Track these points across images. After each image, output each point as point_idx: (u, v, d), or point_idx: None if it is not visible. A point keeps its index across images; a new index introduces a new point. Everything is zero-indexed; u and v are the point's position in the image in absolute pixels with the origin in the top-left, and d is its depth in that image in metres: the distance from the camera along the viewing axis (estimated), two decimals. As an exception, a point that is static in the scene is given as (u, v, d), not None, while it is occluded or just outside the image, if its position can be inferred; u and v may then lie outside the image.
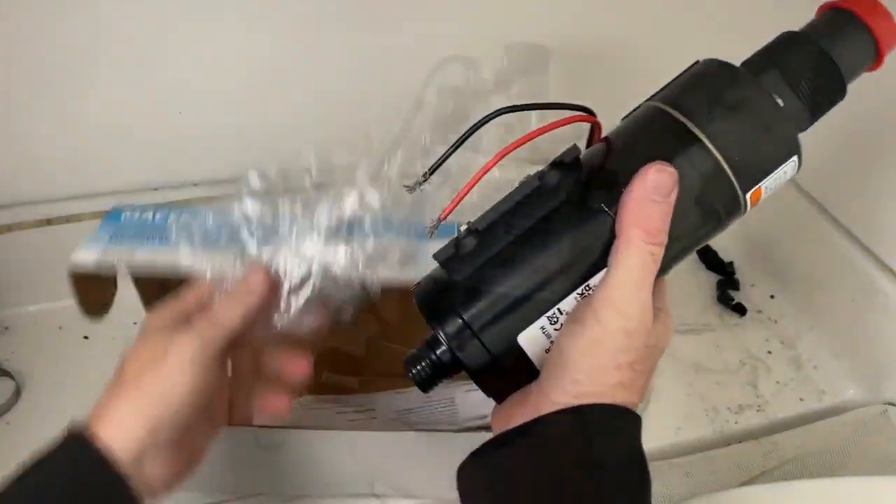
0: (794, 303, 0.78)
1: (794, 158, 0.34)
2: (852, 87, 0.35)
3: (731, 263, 0.83)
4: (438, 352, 0.32)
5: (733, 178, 0.31)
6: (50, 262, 0.71)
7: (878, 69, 0.34)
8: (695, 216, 0.32)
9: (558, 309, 0.31)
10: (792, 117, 0.33)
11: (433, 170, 0.32)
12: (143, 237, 0.48)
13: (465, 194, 0.31)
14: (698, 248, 0.34)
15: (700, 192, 0.31)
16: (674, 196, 0.30)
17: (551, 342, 0.31)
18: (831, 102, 0.34)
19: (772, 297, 0.79)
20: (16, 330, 0.71)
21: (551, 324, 0.31)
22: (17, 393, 0.65)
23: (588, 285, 0.31)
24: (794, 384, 0.71)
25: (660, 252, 0.31)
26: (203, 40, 0.64)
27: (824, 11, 0.35)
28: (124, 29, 0.61)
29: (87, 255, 0.48)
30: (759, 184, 0.33)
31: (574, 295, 0.31)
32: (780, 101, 0.32)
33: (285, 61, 0.68)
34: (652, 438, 0.64)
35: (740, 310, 0.78)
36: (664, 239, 0.31)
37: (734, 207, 0.33)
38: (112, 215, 0.51)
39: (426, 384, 0.33)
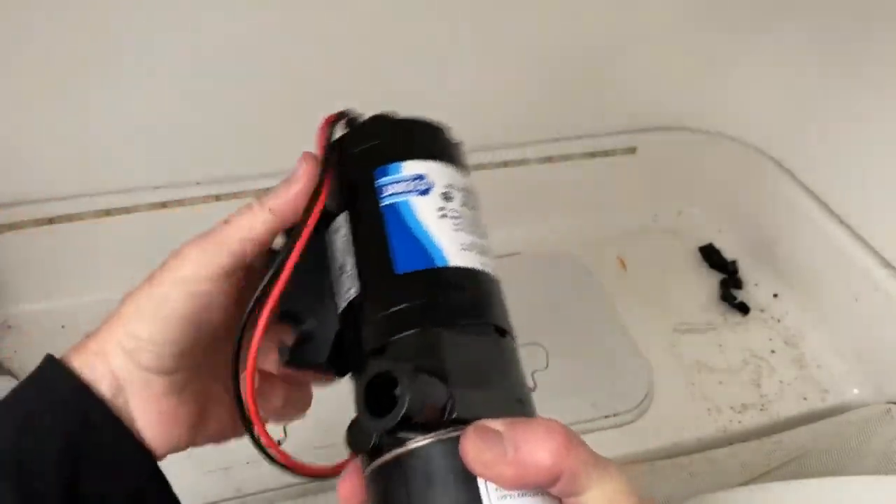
0: (797, 302, 0.78)
1: None
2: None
3: (734, 262, 0.83)
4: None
5: None
6: (52, 261, 0.72)
7: None
8: None
9: None
10: None
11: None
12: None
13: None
14: None
15: None
16: None
17: None
18: None
19: (775, 295, 0.79)
20: (18, 328, 0.71)
21: None
22: (20, 392, 0.65)
23: None
24: (798, 383, 0.70)
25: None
26: (206, 40, 0.64)
27: None
28: (126, 28, 0.61)
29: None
30: None
31: None
32: None
33: (286, 60, 0.67)
34: (654, 438, 0.64)
35: (743, 309, 0.78)
36: None
37: None
38: None
39: None
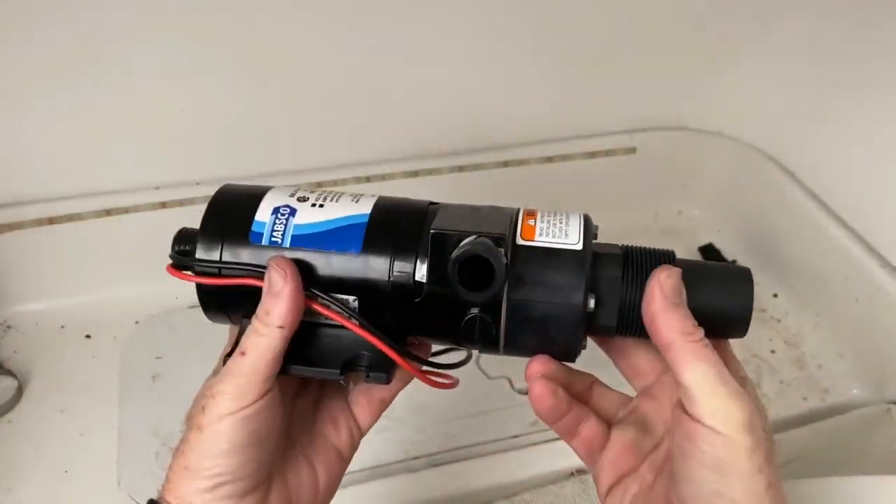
0: (797, 302, 0.78)
1: None
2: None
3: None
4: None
5: None
6: (52, 261, 0.72)
7: None
8: None
9: None
10: None
11: None
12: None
13: None
14: None
15: None
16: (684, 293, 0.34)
17: None
18: None
19: (775, 295, 0.79)
20: (18, 329, 0.71)
21: None
22: (20, 392, 0.65)
23: None
24: (798, 383, 0.70)
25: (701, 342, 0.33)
26: (205, 40, 0.64)
27: None
28: (125, 28, 0.61)
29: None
30: None
31: None
32: None
33: (286, 61, 0.67)
34: (655, 438, 0.64)
35: (743, 309, 0.78)
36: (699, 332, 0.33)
37: None
38: None
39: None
